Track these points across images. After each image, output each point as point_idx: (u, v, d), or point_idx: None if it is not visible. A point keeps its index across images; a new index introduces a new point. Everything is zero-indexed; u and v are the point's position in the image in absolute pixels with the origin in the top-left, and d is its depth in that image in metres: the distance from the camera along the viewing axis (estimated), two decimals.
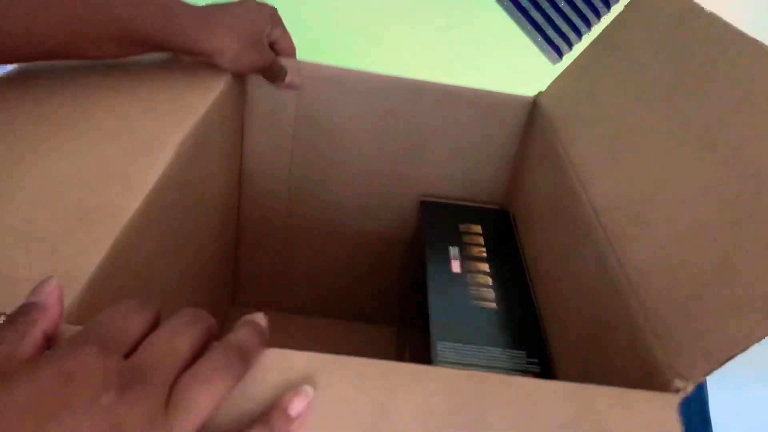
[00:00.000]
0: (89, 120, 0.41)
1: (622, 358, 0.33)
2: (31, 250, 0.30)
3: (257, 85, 0.56)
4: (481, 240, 0.55)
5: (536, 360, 0.44)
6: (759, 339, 0.26)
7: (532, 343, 0.45)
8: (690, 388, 0.28)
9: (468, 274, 0.51)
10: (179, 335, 0.25)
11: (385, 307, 0.70)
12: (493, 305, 0.48)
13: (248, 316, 0.30)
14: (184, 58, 0.51)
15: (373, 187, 0.62)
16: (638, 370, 0.31)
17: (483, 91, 0.57)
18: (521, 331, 0.46)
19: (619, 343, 0.34)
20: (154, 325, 0.25)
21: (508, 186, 0.62)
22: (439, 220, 0.57)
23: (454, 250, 0.53)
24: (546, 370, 0.43)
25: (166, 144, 0.40)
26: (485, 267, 0.52)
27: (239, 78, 0.53)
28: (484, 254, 0.53)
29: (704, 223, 0.32)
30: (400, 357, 0.65)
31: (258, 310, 0.66)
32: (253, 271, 0.68)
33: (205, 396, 0.23)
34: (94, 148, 0.38)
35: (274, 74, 0.55)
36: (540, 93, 0.58)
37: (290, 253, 0.67)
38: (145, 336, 0.24)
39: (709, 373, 0.27)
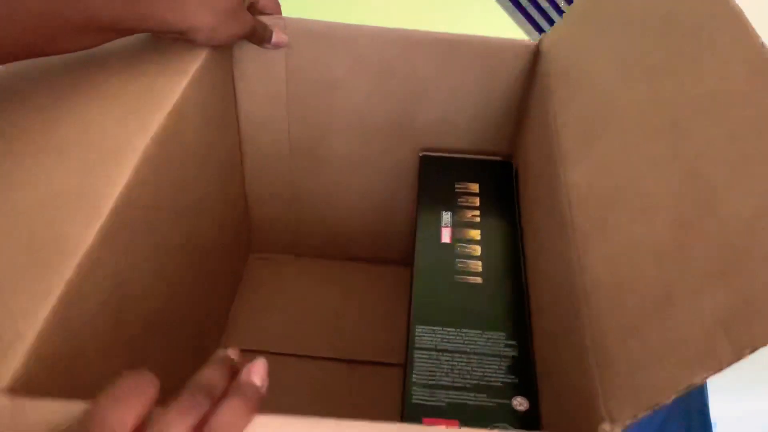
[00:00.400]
0: (51, 131, 0.40)
1: (574, 375, 0.33)
2: None
3: (242, 47, 0.54)
4: (477, 202, 0.53)
5: (514, 342, 0.43)
6: (685, 388, 0.25)
7: (513, 323, 0.44)
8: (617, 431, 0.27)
9: (457, 244, 0.49)
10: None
11: (398, 248, 0.70)
12: (479, 280, 0.47)
13: (243, 374, 0.29)
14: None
15: (373, 140, 0.60)
16: (583, 395, 0.31)
17: (482, 38, 0.53)
18: (504, 310, 0.45)
19: (571, 359, 0.33)
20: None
21: (513, 135, 0.59)
22: (436, 178, 0.56)
23: (446, 216, 0.52)
24: (523, 354, 0.42)
25: (131, 149, 0.39)
26: (476, 235, 0.50)
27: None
28: (478, 219, 0.52)
29: (656, 241, 0.29)
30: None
31: (274, 255, 0.68)
32: (266, 222, 0.69)
33: None
34: (53, 167, 0.37)
35: (258, 37, 0.52)
36: (544, 36, 0.53)
37: (299, 202, 0.67)
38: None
39: (634, 418, 0.26)
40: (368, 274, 0.70)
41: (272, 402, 0.57)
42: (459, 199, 0.53)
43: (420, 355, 0.42)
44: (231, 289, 0.67)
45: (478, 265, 0.48)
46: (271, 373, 0.59)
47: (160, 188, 0.42)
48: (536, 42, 0.53)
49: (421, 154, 0.58)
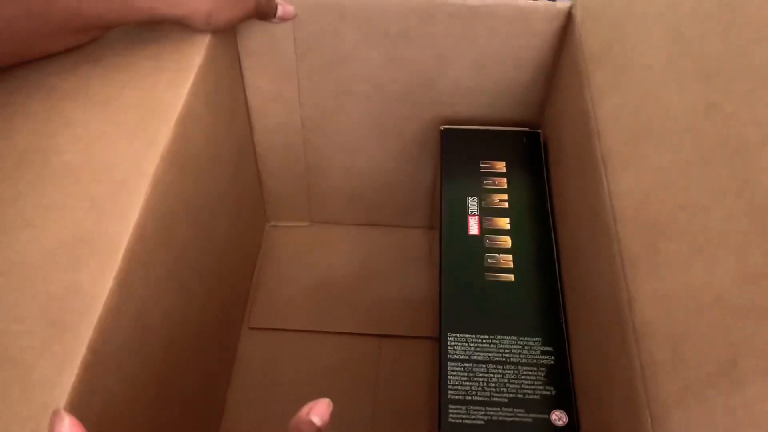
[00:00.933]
0: (53, 156, 0.36)
1: (622, 416, 0.31)
2: None
3: (246, 22, 0.50)
4: (504, 183, 0.50)
5: (551, 348, 0.42)
6: None
7: (549, 327, 0.42)
8: None
9: (486, 236, 0.47)
10: None
11: (418, 213, 0.68)
12: (510, 277, 0.45)
13: (303, 411, 0.28)
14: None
15: (390, 110, 0.57)
16: None
17: (507, 3, 0.48)
18: (538, 312, 0.43)
19: (621, 402, 0.31)
20: None
21: (541, 104, 0.55)
22: (460, 156, 0.52)
23: (473, 203, 0.49)
24: (559, 361, 0.41)
25: (141, 174, 0.36)
26: (506, 223, 0.48)
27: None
28: (506, 204, 0.49)
29: (719, 290, 0.27)
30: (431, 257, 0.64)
31: (290, 223, 0.66)
32: (281, 192, 0.66)
33: None
34: (61, 206, 0.34)
35: (263, 12, 0.48)
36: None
37: (314, 173, 0.64)
38: None
39: None
40: (387, 239, 0.68)
41: (301, 382, 0.57)
42: (485, 181, 0.50)
43: (454, 368, 0.41)
44: (250, 262, 0.66)
45: (509, 260, 0.46)
46: (299, 352, 0.59)
47: (173, 207, 0.40)
48: (569, 4, 0.48)
49: (442, 128, 0.55)
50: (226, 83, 0.50)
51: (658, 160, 0.33)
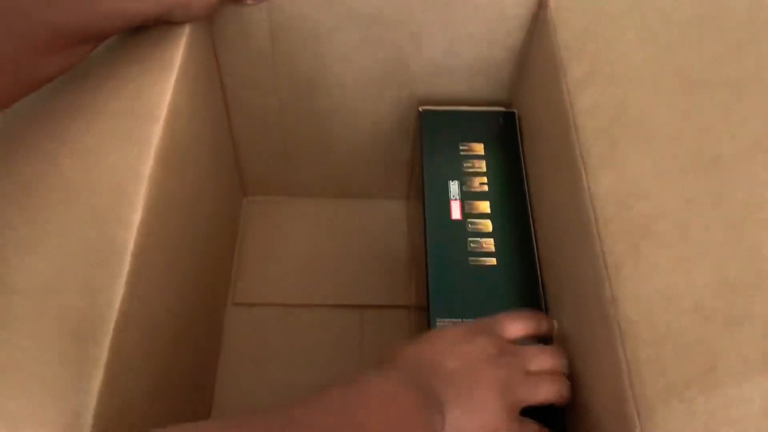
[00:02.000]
0: (52, 170, 0.37)
1: (609, 404, 0.34)
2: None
3: (221, 8, 0.49)
4: (484, 166, 0.52)
5: None
6: None
7: (530, 309, 0.45)
8: None
9: (468, 220, 0.49)
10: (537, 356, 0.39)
11: (394, 183, 0.70)
12: (493, 261, 0.47)
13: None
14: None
15: (366, 92, 0.57)
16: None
17: None
18: (519, 294, 0.46)
19: (607, 391, 0.34)
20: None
21: (512, 83, 0.56)
22: (439, 139, 0.54)
23: (454, 187, 0.51)
24: (541, 343, 0.44)
25: (139, 179, 0.36)
26: (486, 207, 0.50)
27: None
28: (486, 188, 0.51)
29: (699, 298, 0.30)
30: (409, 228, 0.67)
31: (268, 197, 0.67)
32: (258, 169, 0.67)
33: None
34: (64, 220, 0.35)
35: None
36: None
37: (291, 151, 0.65)
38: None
39: None
40: (365, 211, 0.70)
41: (288, 354, 0.59)
42: (465, 164, 0.52)
43: None
44: (231, 238, 0.67)
45: (490, 244, 0.48)
46: (284, 326, 0.61)
47: (167, 201, 0.40)
48: None
49: (421, 110, 0.56)
50: (203, 71, 0.49)
51: (637, 164, 0.36)
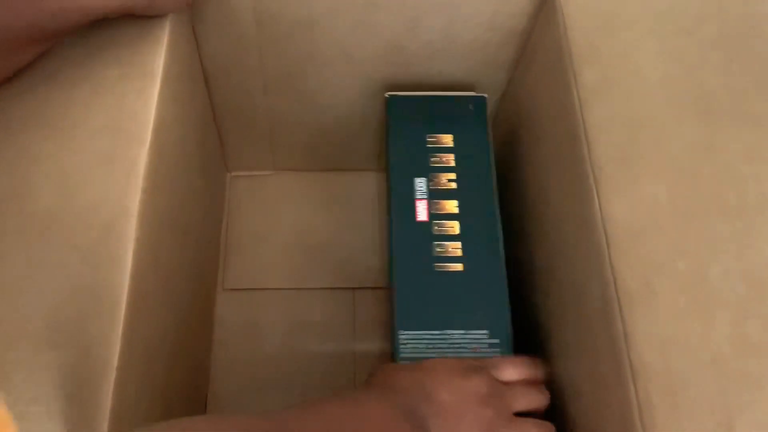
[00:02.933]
0: (31, 200, 0.34)
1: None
2: None
3: None
4: (452, 160, 0.49)
5: (497, 341, 0.43)
6: None
7: (495, 317, 0.44)
8: None
9: (434, 222, 0.47)
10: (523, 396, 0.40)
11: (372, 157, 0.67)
12: (459, 266, 0.45)
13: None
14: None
15: (358, 75, 0.54)
16: None
17: None
18: (486, 302, 0.44)
19: (611, 419, 0.34)
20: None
21: (509, 69, 0.54)
22: (406, 130, 0.50)
23: (420, 184, 0.48)
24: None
25: (125, 215, 0.34)
26: (454, 207, 0.47)
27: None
28: (454, 185, 0.48)
29: (715, 347, 0.29)
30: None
31: (253, 172, 0.64)
32: (243, 146, 0.64)
33: None
34: (50, 259, 0.33)
35: None
36: None
37: (276, 127, 0.62)
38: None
39: None
40: (352, 185, 0.68)
41: (281, 339, 0.59)
42: (432, 158, 0.49)
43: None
44: (217, 217, 0.65)
45: (457, 248, 0.46)
46: (274, 310, 0.60)
47: (160, 229, 0.39)
48: None
49: (387, 96, 0.52)
50: (185, 61, 0.46)
51: (653, 192, 0.34)
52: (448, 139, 0.50)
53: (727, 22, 0.33)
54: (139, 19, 0.40)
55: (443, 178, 0.48)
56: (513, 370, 0.41)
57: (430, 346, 0.43)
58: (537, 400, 0.41)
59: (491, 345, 0.43)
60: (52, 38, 0.37)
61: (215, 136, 0.60)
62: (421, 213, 0.47)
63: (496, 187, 0.48)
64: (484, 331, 0.44)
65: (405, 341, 0.43)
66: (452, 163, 0.49)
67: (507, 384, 0.41)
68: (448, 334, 0.43)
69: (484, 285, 0.45)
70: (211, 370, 0.59)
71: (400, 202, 0.47)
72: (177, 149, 0.43)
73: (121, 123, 0.37)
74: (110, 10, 0.37)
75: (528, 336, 0.47)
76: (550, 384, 0.43)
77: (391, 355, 0.43)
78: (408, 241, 0.46)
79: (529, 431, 0.39)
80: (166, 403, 0.42)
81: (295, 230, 0.65)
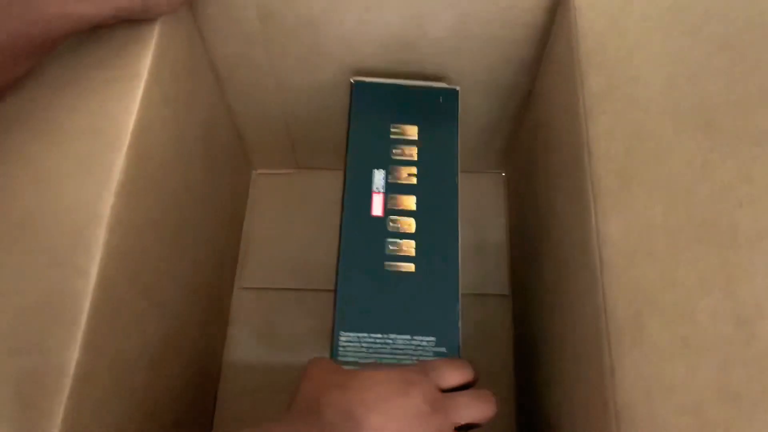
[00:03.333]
0: (11, 200, 0.34)
1: None
2: None
3: None
4: (415, 154, 0.46)
5: (444, 349, 0.40)
6: None
7: (444, 324, 0.41)
8: None
9: (389, 217, 0.44)
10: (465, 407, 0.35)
11: None
12: (411, 267, 0.42)
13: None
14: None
15: (370, 65, 0.52)
16: None
17: None
18: (435, 307, 0.41)
19: None
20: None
21: (530, 67, 0.50)
22: (369, 118, 0.47)
23: (379, 177, 0.45)
24: None
25: (96, 216, 0.34)
26: (411, 203, 0.44)
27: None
28: (414, 180, 0.45)
29: (698, 400, 0.26)
30: None
31: (276, 170, 0.63)
32: (264, 145, 0.64)
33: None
34: (21, 262, 0.33)
35: None
36: None
37: (295, 125, 0.61)
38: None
39: None
40: None
41: (297, 340, 0.58)
42: (394, 150, 0.46)
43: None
44: (239, 214, 0.64)
45: (411, 247, 0.43)
46: (291, 311, 0.59)
47: (142, 234, 0.38)
48: None
49: (352, 81, 0.49)
50: (185, 66, 0.45)
51: (649, 212, 0.31)
52: (412, 131, 0.47)
53: (735, 21, 0.29)
54: (130, 22, 0.39)
55: (404, 172, 0.45)
56: (456, 374, 0.37)
57: (372, 350, 0.40)
58: (482, 410, 0.36)
59: (437, 354, 0.40)
60: (47, 48, 0.37)
61: (233, 134, 0.60)
62: (377, 207, 0.44)
63: (458, 185, 0.45)
64: (431, 338, 0.40)
65: (345, 344, 0.40)
66: (415, 157, 0.45)
67: (449, 392, 0.36)
68: (392, 339, 0.40)
69: (436, 289, 0.41)
70: (222, 370, 0.59)
71: (355, 194, 0.44)
72: (168, 151, 0.42)
73: (102, 126, 0.36)
74: (104, 17, 0.37)
75: (526, 358, 0.44)
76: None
77: (330, 356, 0.40)
78: (359, 236, 0.43)
79: None
80: (148, 411, 0.42)
81: (316, 231, 0.64)
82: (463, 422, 0.35)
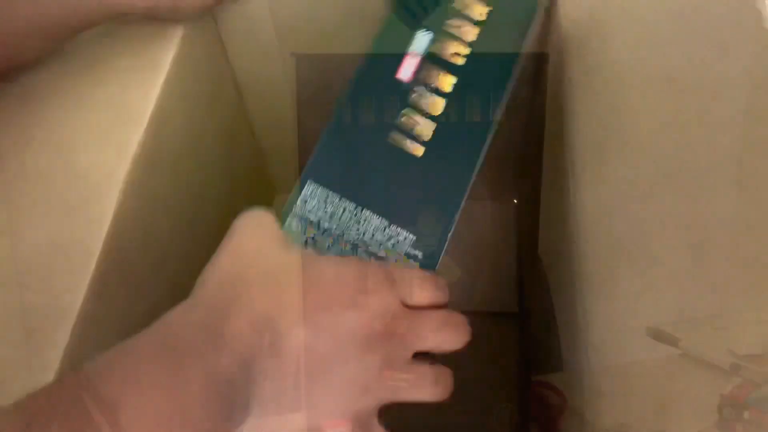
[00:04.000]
0: (28, 159, 0.37)
1: None
2: None
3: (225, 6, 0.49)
4: (474, 34, 0.38)
5: (420, 254, 0.34)
6: None
7: (433, 229, 0.34)
8: None
9: (416, 86, 0.36)
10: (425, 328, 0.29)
11: None
12: (419, 151, 0.35)
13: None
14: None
15: None
16: None
17: None
18: (428, 205, 0.34)
19: None
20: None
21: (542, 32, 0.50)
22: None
23: (422, 38, 0.37)
24: (425, 267, 0.34)
25: (113, 180, 0.37)
26: (448, 83, 0.36)
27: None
28: (461, 61, 0.37)
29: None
30: None
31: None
32: (287, 166, 0.66)
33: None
34: (33, 212, 0.36)
35: None
36: None
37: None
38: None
39: None
40: None
41: None
42: (449, 21, 0.38)
43: (292, 223, 0.33)
44: None
45: (429, 129, 0.35)
46: None
47: (150, 207, 0.41)
48: None
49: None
50: (206, 70, 0.48)
51: (619, 173, 0.33)
52: (481, 11, 0.38)
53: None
54: (159, 20, 0.43)
55: (452, 48, 0.37)
56: (427, 292, 0.30)
57: (334, 221, 0.33)
58: (452, 338, 0.29)
59: (410, 256, 0.33)
60: (79, 30, 0.41)
61: (256, 153, 0.62)
62: (406, 70, 0.36)
63: (509, 89, 0.37)
64: (411, 236, 0.34)
65: (308, 196, 0.34)
66: (472, 38, 0.37)
67: (413, 311, 0.29)
68: (365, 216, 0.34)
69: (437, 187, 0.34)
70: None
71: (387, 45, 0.37)
72: (184, 143, 0.45)
73: (121, 106, 0.40)
74: (137, 8, 0.40)
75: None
76: None
77: (282, 209, 0.34)
78: (373, 90, 0.36)
79: (423, 388, 0.28)
80: None
81: None
82: (424, 350, 0.29)
